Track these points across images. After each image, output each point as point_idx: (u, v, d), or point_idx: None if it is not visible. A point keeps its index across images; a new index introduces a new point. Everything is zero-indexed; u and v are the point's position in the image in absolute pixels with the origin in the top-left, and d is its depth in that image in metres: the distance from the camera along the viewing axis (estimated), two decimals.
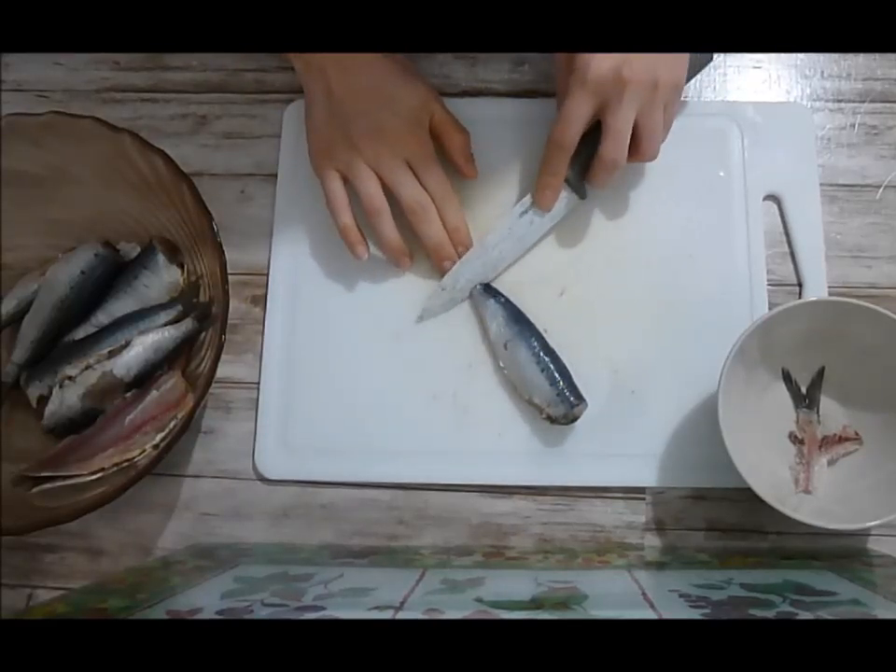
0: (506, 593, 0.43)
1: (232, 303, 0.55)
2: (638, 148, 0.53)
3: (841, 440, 0.53)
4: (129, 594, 0.44)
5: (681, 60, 0.52)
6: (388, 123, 0.53)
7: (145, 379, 0.55)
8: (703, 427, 0.54)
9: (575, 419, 0.53)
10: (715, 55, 0.58)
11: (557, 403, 0.53)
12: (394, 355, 0.57)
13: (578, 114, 0.51)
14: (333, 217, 0.55)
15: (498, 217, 0.58)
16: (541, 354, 0.54)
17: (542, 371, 0.53)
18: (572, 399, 0.53)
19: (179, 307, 0.57)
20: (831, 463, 0.53)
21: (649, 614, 0.39)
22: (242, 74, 0.64)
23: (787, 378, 0.54)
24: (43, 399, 0.55)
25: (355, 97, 0.53)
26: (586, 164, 0.54)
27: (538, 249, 0.59)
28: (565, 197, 0.56)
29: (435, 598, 0.42)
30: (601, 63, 0.49)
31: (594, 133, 0.53)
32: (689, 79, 0.56)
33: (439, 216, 0.55)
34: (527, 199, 0.57)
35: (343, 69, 0.52)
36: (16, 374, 0.57)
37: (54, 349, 0.57)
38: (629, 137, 0.52)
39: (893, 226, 0.59)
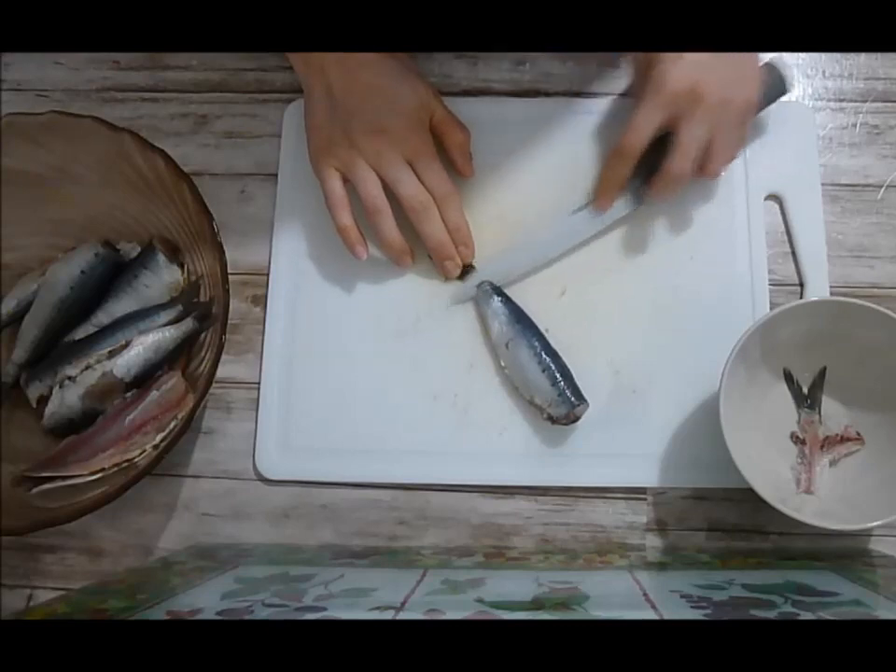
0: (507, 593, 0.43)
1: (233, 303, 0.55)
2: (705, 166, 0.53)
3: (843, 440, 0.53)
4: (129, 594, 0.44)
5: (754, 81, 0.53)
6: (389, 122, 0.53)
7: (145, 379, 0.55)
8: (704, 427, 0.54)
9: (576, 419, 0.53)
10: (789, 85, 0.57)
11: (558, 403, 0.52)
12: (394, 355, 0.57)
13: (648, 122, 0.51)
14: (332, 216, 0.55)
15: (550, 213, 0.58)
16: (543, 354, 0.54)
17: (543, 371, 0.53)
18: (573, 399, 0.52)
19: (179, 307, 0.56)
20: (832, 463, 0.53)
21: (650, 615, 0.39)
22: (242, 73, 0.64)
23: (788, 378, 0.54)
24: (43, 399, 0.55)
25: (355, 96, 0.53)
26: (650, 172, 0.54)
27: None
28: (622, 201, 0.56)
29: (436, 599, 0.41)
30: (679, 76, 0.49)
31: (663, 143, 0.52)
32: (762, 108, 0.56)
33: (440, 214, 0.55)
34: (585, 198, 0.57)
35: (344, 68, 0.52)
36: (16, 374, 0.57)
37: (54, 349, 0.57)
38: (698, 154, 0.51)
39: (895, 225, 0.58)
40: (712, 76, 0.49)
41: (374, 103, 0.53)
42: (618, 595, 0.44)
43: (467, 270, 0.57)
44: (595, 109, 0.61)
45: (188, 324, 0.56)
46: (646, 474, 0.54)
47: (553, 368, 0.53)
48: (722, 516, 0.54)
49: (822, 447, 0.53)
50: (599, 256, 0.58)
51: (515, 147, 0.60)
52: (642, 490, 0.55)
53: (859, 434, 0.53)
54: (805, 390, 0.54)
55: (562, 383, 0.53)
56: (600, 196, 0.56)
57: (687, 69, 0.50)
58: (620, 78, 0.62)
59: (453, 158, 0.57)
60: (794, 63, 0.62)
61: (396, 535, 0.55)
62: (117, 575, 0.53)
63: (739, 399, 0.49)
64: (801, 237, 0.58)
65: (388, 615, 0.38)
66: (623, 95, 0.61)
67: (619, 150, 0.53)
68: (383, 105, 0.53)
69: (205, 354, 0.55)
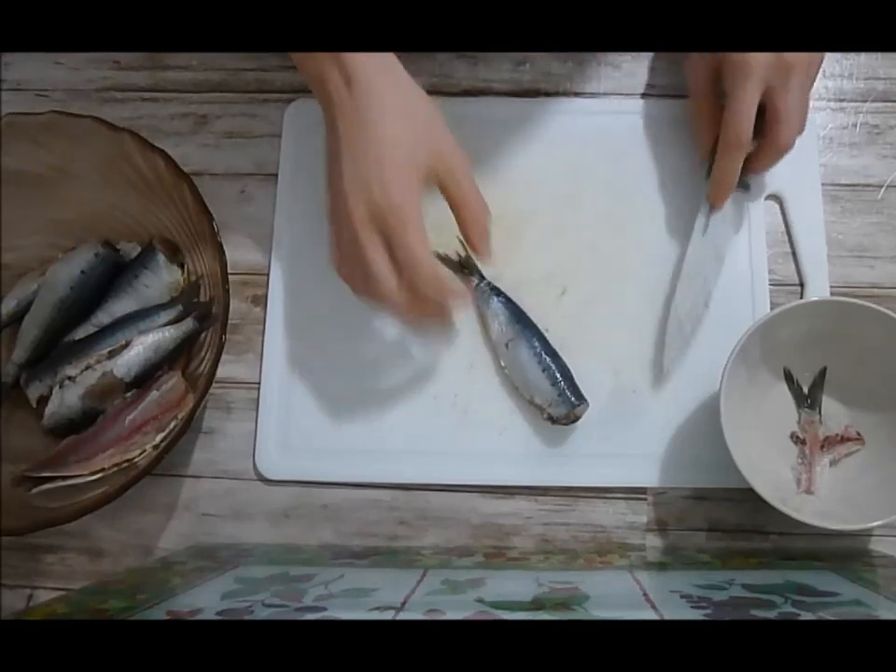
0: (507, 593, 0.42)
1: (233, 303, 0.55)
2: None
3: (843, 440, 0.53)
4: (129, 594, 0.44)
5: None
6: (367, 167, 0.45)
7: (145, 379, 0.55)
8: (705, 427, 0.54)
9: (576, 419, 0.53)
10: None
11: (558, 403, 0.52)
12: (395, 354, 0.57)
13: (748, 107, 0.51)
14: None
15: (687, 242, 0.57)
16: (543, 354, 0.54)
17: (543, 370, 0.53)
18: (573, 399, 0.52)
19: (179, 307, 0.56)
20: (833, 463, 0.53)
21: (650, 615, 0.38)
22: (242, 73, 0.64)
23: (789, 378, 0.54)
24: (43, 399, 0.55)
25: (351, 132, 0.46)
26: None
27: (539, 249, 0.59)
28: (736, 196, 0.56)
29: (436, 599, 0.41)
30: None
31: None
32: None
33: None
34: (701, 217, 0.56)
35: (354, 107, 0.46)
36: (16, 374, 0.57)
37: (54, 349, 0.57)
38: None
39: (895, 226, 0.58)
40: None
41: (360, 140, 0.46)
42: (618, 596, 0.44)
43: (468, 265, 0.57)
44: (595, 109, 0.61)
45: (188, 324, 0.56)
46: (646, 474, 0.54)
47: (553, 368, 0.53)
48: (722, 516, 0.54)
49: (822, 447, 0.53)
50: (599, 255, 0.58)
51: (515, 147, 0.60)
52: (642, 490, 0.55)
53: (859, 434, 0.53)
54: (806, 390, 0.54)
55: (562, 383, 0.53)
56: (720, 195, 0.55)
57: None
58: (620, 79, 0.62)
59: (466, 235, 0.49)
60: None
61: (396, 535, 0.55)
62: (117, 575, 0.53)
63: (739, 399, 0.49)
64: (801, 237, 0.58)
65: (388, 615, 0.38)
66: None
67: (731, 144, 0.52)
68: (368, 143, 0.46)
69: (205, 354, 0.55)
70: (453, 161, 0.47)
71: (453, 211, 0.48)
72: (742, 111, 0.51)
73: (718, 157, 0.54)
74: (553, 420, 0.53)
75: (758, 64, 0.49)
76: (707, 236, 0.56)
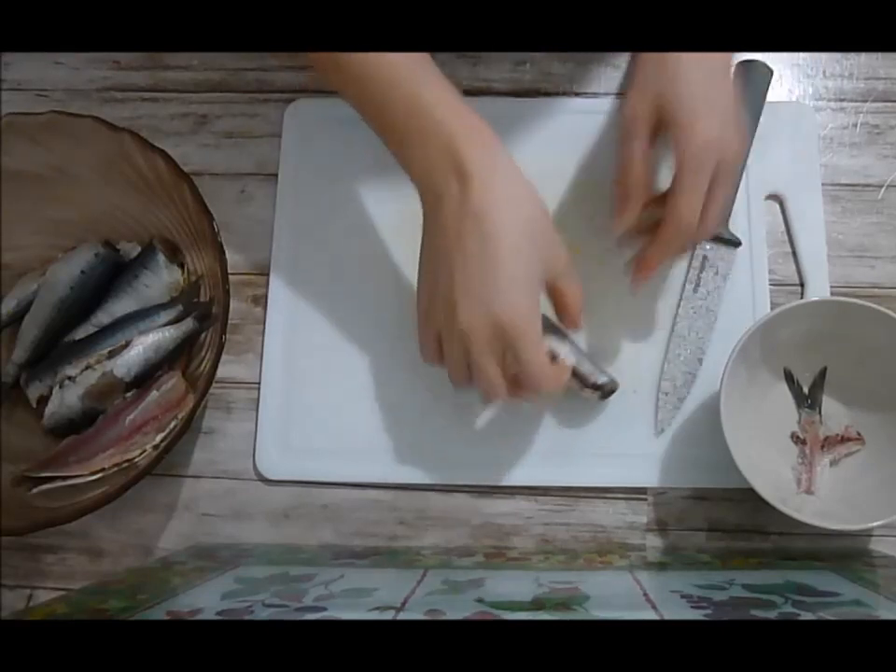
0: (507, 593, 0.42)
1: (233, 303, 0.55)
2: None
3: (843, 440, 0.53)
4: (129, 594, 0.44)
5: (740, 129, 0.49)
6: (493, 284, 0.44)
7: (145, 379, 0.55)
8: (704, 427, 0.54)
9: (613, 391, 0.53)
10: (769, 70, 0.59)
11: (599, 373, 0.52)
12: (395, 354, 0.57)
13: (700, 196, 0.47)
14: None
15: (677, 305, 0.57)
16: (564, 332, 0.52)
17: (574, 344, 0.52)
18: (607, 373, 0.53)
19: (180, 307, 0.56)
20: (833, 463, 0.53)
21: (650, 615, 0.38)
22: (242, 73, 0.64)
23: (789, 378, 0.54)
24: (43, 399, 0.55)
25: (468, 242, 0.44)
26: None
27: None
28: (725, 251, 0.57)
29: (436, 599, 0.41)
30: (706, 133, 0.46)
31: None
32: (762, 102, 0.59)
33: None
34: (693, 274, 0.57)
35: (468, 208, 0.44)
36: (16, 374, 0.57)
37: (54, 349, 0.57)
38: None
39: (895, 226, 0.58)
40: (728, 133, 0.47)
41: (476, 248, 0.44)
42: (618, 596, 0.44)
43: None
44: (595, 109, 0.61)
45: (188, 324, 0.56)
46: (646, 474, 0.54)
47: (579, 347, 0.53)
48: (723, 516, 0.54)
49: (823, 447, 0.53)
50: (598, 255, 0.58)
51: (515, 148, 0.60)
52: (642, 490, 0.55)
53: (859, 434, 0.53)
54: (806, 390, 0.54)
55: (590, 359, 0.53)
56: (644, 274, 0.52)
57: (705, 127, 0.46)
58: (620, 79, 0.62)
59: (565, 313, 0.50)
60: (795, 63, 0.62)
61: (396, 535, 0.55)
62: (117, 575, 0.53)
63: (739, 399, 0.49)
64: (801, 237, 0.58)
65: (388, 615, 0.38)
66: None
67: (677, 229, 0.48)
68: (486, 255, 0.44)
69: (205, 354, 0.55)
70: (564, 264, 0.48)
71: (551, 298, 0.49)
72: (693, 201, 0.47)
73: (661, 236, 0.50)
74: (596, 388, 0.52)
75: (699, 150, 0.46)
76: (700, 292, 0.56)
